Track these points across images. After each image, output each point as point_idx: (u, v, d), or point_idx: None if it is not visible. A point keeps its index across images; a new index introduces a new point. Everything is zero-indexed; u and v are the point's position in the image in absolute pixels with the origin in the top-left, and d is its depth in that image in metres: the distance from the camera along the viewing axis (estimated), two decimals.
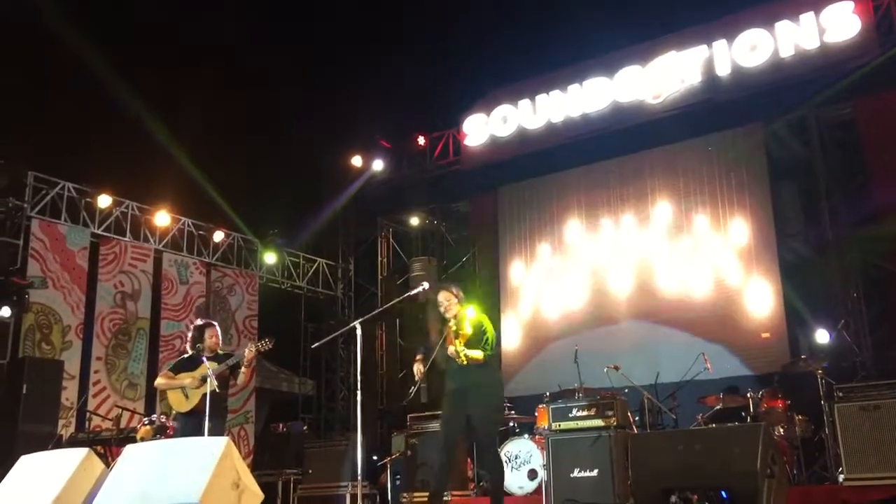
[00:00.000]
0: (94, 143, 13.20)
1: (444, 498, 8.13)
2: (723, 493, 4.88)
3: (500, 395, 6.16)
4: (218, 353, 7.00)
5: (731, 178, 11.37)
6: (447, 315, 6.05)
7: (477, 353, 5.83)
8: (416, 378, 6.01)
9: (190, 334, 7.22)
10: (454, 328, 5.89)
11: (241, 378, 6.99)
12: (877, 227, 10.10)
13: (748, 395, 8.19)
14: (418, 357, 6.12)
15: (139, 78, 12.39)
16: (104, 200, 11.66)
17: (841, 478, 6.94)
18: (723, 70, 11.28)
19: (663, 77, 11.75)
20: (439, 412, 8.70)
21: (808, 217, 11.11)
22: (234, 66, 15.19)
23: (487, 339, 5.93)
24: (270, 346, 7.00)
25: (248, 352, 6.82)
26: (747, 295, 10.90)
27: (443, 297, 6.10)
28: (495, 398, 6.02)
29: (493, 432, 6.04)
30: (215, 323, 7.35)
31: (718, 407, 8.37)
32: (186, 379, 6.87)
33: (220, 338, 7.14)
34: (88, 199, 11.58)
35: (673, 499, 5.01)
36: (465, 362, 5.72)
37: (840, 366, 9.34)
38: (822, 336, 10.06)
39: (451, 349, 5.80)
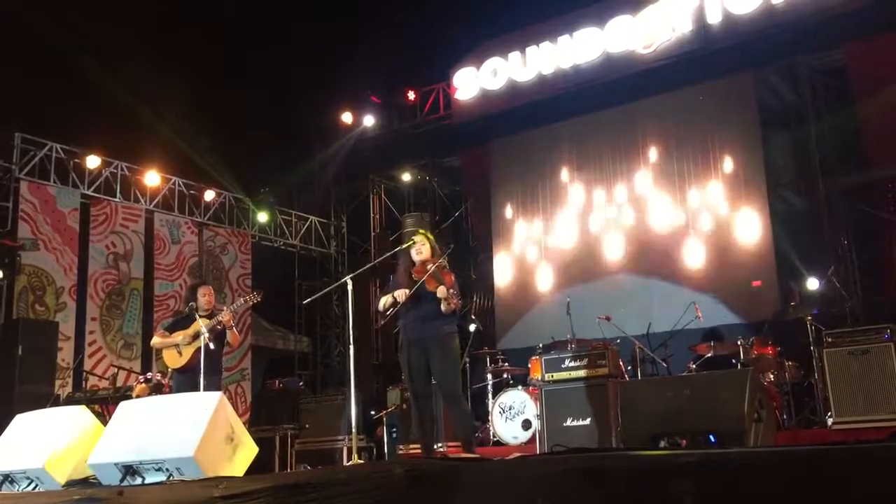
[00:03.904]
0: (81, 104, 13.06)
1: (439, 448, 8.27)
2: (711, 437, 4.95)
3: (459, 348, 5.86)
4: (213, 312, 7.11)
5: (722, 127, 11.32)
6: (418, 258, 5.86)
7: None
8: (399, 301, 5.70)
9: (184, 294, 7.34)
10: (433, 272, 5.63)
11: (229, 336, 7.07)
12: (867, 174, 10.11)
13: (739, 342, 8.27)
14: (394, 292, 5.84)
15: (126, 36, 12.23)
16: (93, 161, 11.60)
17: (830, 421, 7.03)
18: (713, 18, 11.15)
19: (654, 26, 11.63)
20: None
21: (799, 165, 11.12)
22: (222, 23, 14.99)
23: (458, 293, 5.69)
24: (259, 299, 7.21)
25: (225, 315, 6.93)
26: (738, 243, 10.92)
27: (419, 238, 5.98)
28: (455, 351, 5.79)
29: (455, 385, 5.80)
30: (208, 282, 7.44)
31: (709, 355, 8.46)
32: (179, 336, 6.98)
33: (213, 296, 7.30)
34: (77, 160, 11.53)
35: (662, 444, 5.08)
36: (454, 307, 5.50)
37: (830, 312, 9.39)
38: (812, 283, 10.11)
39: (440, 290, 5.51)
